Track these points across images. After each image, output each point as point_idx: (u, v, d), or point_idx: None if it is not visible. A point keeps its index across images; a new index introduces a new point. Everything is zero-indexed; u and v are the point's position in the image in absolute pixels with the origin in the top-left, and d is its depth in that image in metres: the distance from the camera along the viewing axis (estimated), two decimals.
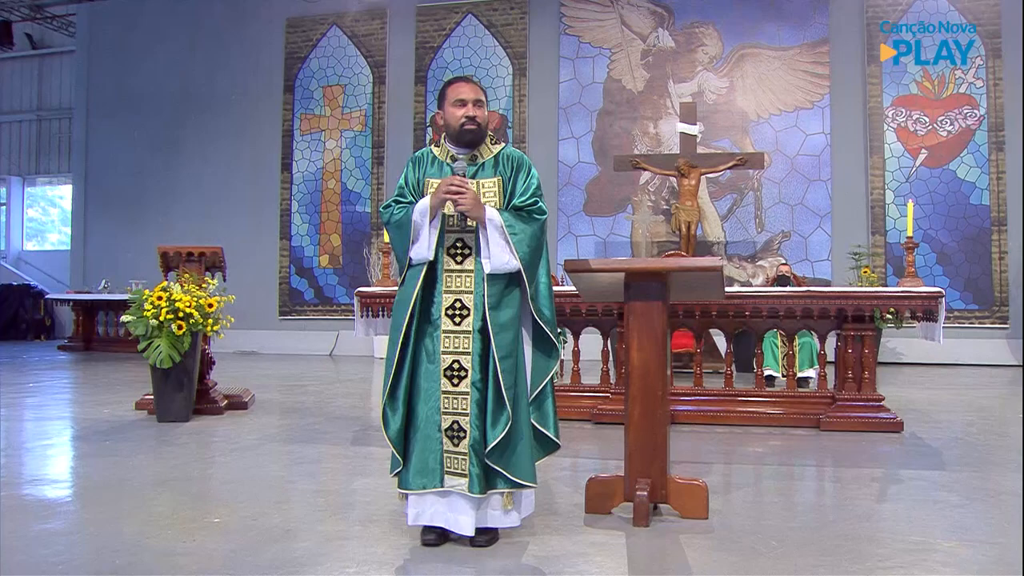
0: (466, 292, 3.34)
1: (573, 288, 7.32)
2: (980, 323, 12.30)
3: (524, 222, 3.35)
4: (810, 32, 13.08)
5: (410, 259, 3.41)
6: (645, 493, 3.64)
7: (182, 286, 6.64)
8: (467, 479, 3.24)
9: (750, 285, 12.19)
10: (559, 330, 7.79)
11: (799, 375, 8.43)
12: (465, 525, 3.28)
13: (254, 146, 15.38)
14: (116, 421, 6.61)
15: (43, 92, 19.02)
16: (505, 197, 3.41)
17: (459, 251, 3.38)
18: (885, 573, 3.09)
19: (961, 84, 12.54)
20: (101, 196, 16.46)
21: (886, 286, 11.35)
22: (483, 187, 3.40)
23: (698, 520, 3.70)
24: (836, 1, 13.05)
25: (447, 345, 3.32)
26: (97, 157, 16.58)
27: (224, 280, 7.28)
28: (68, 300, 15.22)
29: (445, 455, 3.29)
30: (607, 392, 6.86)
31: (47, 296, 17.02)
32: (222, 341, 7.21)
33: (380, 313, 7.21)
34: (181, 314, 6.36)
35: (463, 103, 3.42)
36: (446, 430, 3.30)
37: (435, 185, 3.38)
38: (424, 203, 3.35)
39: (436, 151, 3.52)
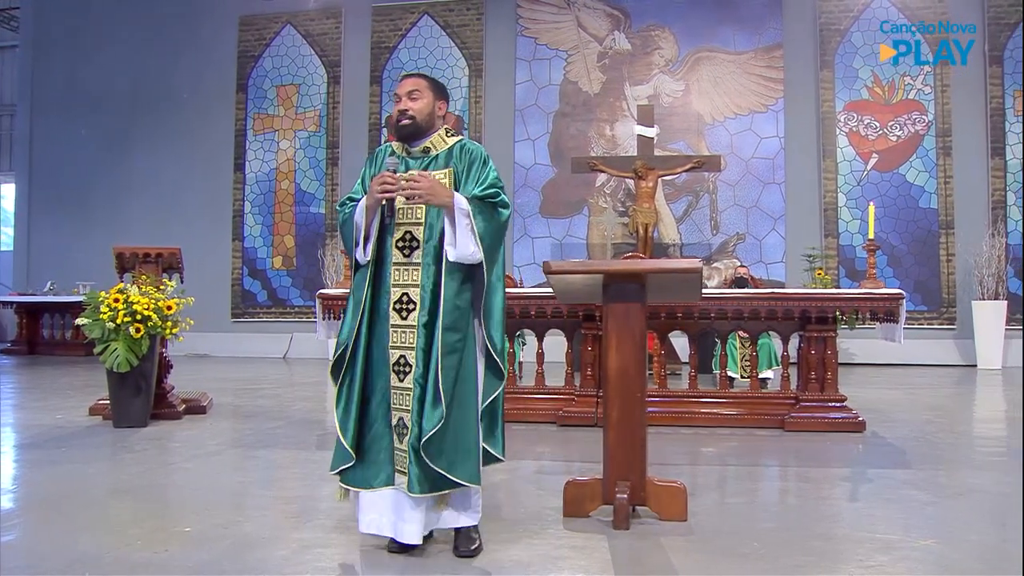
0: (412, 286, 3.26)
1: (535, 290, 7.35)
2: (929, 324, 12.57)
3: (487, 213, 3.23)
4: (764, 37, 13.27)
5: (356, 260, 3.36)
6: (625, 496, 3.62)
7: (139, 288, 6.47)
8: (407, 477, 3.14)
9: (705, 287, 12.29)
10: (519, 332, 7.81)
11: (759, 376, 8.50)
12: (409, 533, 3.18)
13: (207, 146, 15.08)
14: (70, 427, 6.40)
15: None
16: (457, 190, 3.28)
17: (407, 243, 3.29)
18: (867, 572, 3.11)
19: (910, 90, 12.82)
20: (47, 195, 15.96)
21: (839, 288, 11.56)
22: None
23: (678, 522, 3.69)
24: (789, 7, 13.27)
25: (394, 340, 3.25)
26: (43, 155, 16.08)
27: (182, 282, 7.12)
28: (11, 302, 14.76)
29: (396, 452, 3.22)
30: (571, 395, 6.84)
31: None
32: (173, 344, 7.03)
33: (342, 315, 7.09)
34: (139, 316, 6.20)
35: (399, 99, 3.40)
36: (395, 426, 3.23)
37: None
38: (362, 204, 3.32)
39: (395, 146, 3.47)
